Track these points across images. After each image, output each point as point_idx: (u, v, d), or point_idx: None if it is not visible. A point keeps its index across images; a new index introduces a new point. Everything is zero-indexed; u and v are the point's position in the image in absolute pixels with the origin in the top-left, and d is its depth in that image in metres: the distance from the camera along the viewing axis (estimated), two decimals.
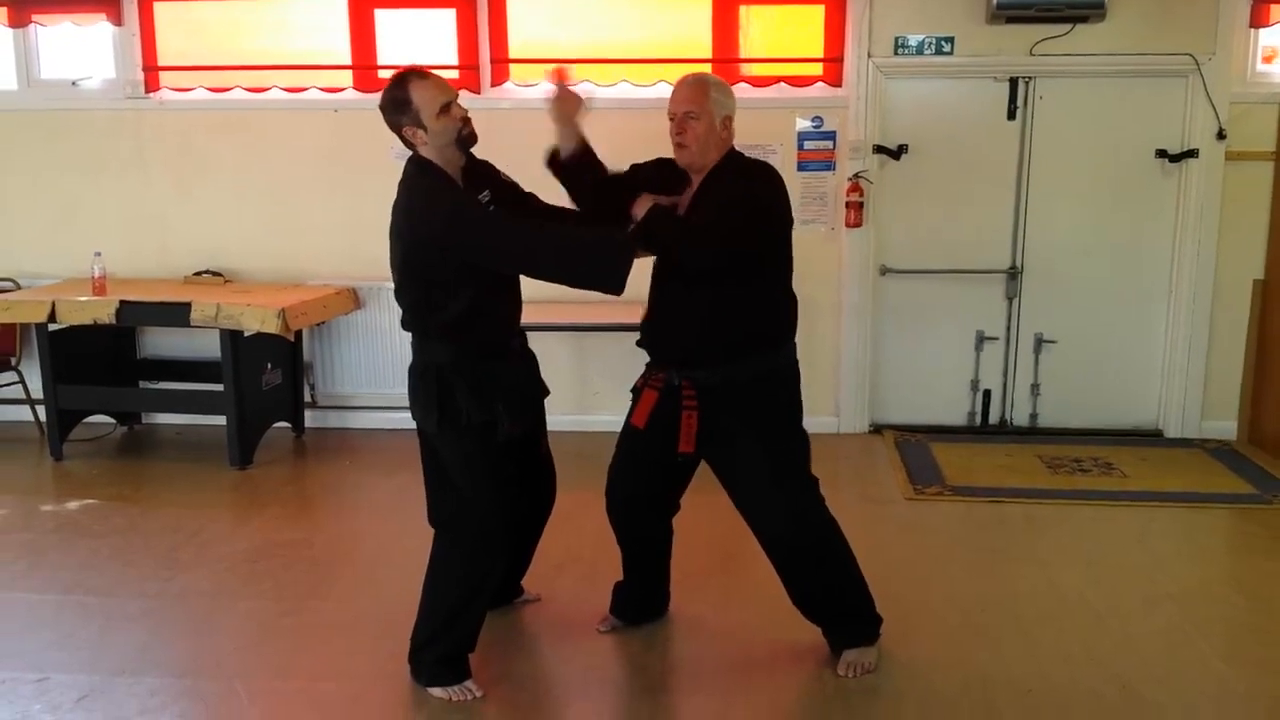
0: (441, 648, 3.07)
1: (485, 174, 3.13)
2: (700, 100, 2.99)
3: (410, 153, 3.00)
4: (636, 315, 3.32)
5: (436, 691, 3.06)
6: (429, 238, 2.90)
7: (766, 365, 3.08)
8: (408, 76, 2.94)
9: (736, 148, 3.09)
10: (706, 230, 2.92)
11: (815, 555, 3.15)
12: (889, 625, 3.30)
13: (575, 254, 2.90)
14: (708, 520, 3.67)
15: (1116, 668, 3.24)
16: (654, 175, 3.16)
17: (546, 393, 3.31)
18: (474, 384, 2.97)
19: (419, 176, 2.96)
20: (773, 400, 3.10)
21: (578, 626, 3.50)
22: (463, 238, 2.89)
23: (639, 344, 3.22)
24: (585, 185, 3.18)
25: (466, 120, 2.97)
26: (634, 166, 3.23)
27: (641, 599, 3.50)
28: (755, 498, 3.10)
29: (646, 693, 3.20)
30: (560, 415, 4.12)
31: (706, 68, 5.50)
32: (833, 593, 3.21)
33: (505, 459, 3.06)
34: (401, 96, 2.90)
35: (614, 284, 2.80)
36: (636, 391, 3.23)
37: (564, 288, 2.96)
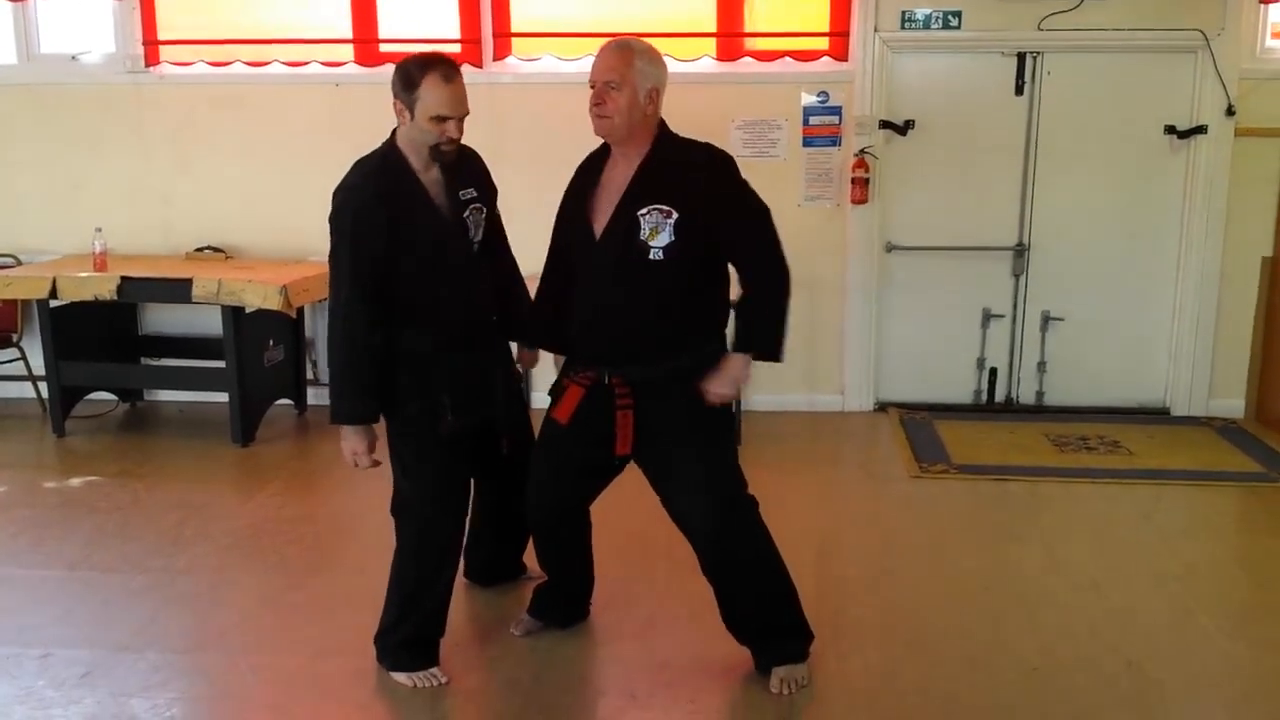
0: (403, 632, 3.02)
1: (475, 171, 3.04)
2: (622, 69, 2.74)
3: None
4: None
5: (399, 677, 3.01)
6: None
7: (703, 358, 2.86)
8: (434, 68, 2.80)
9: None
10: (775, 249, 2.82)
11: (745, 556, 2.91)
12: (893, 602, 3.27)
13: (337, 353, 2.90)
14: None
15: (1121, 645, 3.24)
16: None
17: (518, 387, 3.25)
18: (418, 372, 2.90)
19: (369, 158, 2.94)
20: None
21: None
22: (331, 235, 2.87)
23: (558, 347, 3.06)
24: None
25: (452, 141, 2.85)
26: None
27: (564, 599, 3.32)
28: (686, 495, 2.88)
29: (639, 688, 3.07)
30: None
31: (711, 43, 5.46)
32: (764, 602, 2.97)
33: (453, 452, 2.98)
34: (415, 79, 2.79)
35: (333, 407, 2.95)
36: (557, 390, 3.02)
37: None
